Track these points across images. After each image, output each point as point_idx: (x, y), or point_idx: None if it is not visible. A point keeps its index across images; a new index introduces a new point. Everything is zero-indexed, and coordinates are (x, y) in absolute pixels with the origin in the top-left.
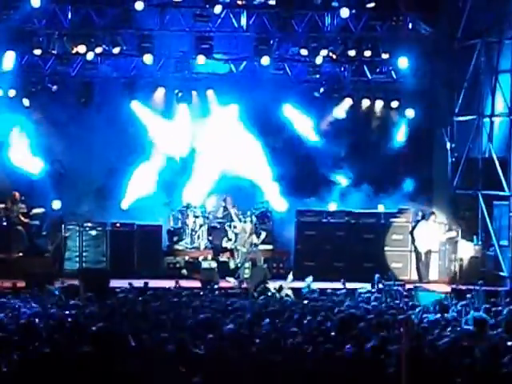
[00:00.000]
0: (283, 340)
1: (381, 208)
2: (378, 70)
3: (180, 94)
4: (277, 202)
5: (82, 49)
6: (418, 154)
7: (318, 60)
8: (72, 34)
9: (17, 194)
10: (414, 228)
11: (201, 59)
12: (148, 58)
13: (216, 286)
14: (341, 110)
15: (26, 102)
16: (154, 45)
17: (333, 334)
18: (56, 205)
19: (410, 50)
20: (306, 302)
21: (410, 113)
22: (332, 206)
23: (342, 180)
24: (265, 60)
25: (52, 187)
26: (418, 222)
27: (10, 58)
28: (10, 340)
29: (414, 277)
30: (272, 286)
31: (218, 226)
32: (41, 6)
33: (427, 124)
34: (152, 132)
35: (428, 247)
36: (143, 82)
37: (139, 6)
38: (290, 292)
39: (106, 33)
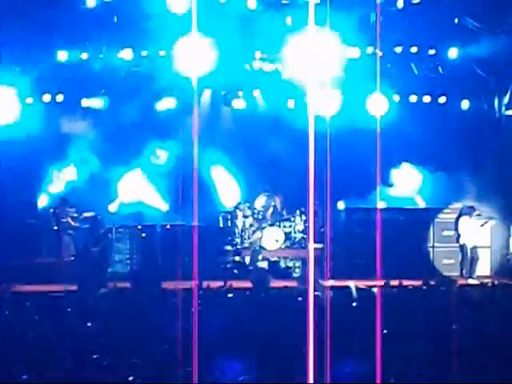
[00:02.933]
0: None
1: None
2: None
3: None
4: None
5: None
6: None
7: None
8: None
9: (62, 199)
10: (457, 224)
11: None
12: None
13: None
14: None
15: None
16: None
17: None
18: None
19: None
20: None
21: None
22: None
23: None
24: None
25: None
26: (458, 217)
27: None
28: None
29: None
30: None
31: (267, 227)
32: None
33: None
34: None
35: (473, 242)
36: None
37: None
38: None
39: None
